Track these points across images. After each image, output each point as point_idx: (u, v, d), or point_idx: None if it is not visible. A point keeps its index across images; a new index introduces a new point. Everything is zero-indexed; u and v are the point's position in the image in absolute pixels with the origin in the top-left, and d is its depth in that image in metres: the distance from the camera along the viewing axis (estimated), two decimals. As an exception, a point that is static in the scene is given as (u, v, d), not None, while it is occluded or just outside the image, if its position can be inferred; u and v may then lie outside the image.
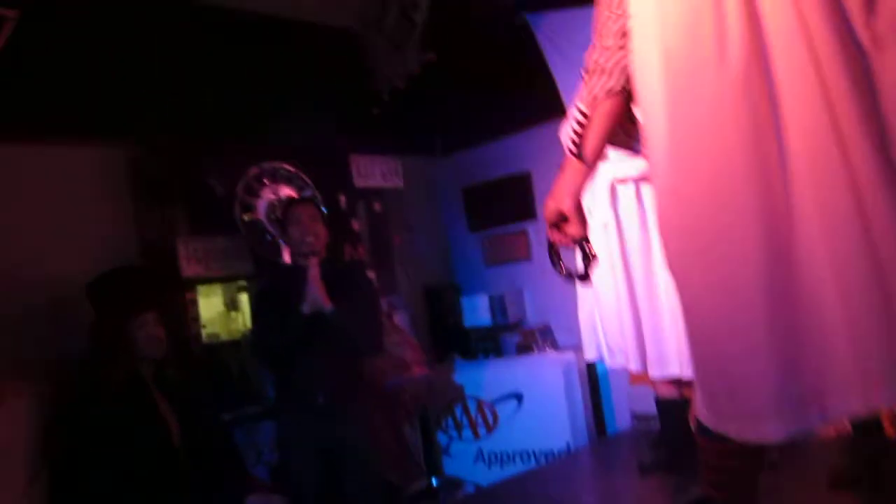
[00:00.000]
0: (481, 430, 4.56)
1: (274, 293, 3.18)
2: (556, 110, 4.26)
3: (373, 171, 4.75)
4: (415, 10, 3.99)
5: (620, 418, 4.38)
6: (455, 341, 4.98)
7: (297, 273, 3.11)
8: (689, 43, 1.29)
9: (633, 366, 3.05)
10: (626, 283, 2.97)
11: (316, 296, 3.01)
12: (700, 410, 1.43)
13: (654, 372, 2.93)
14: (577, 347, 4.37)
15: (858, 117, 1.17)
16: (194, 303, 3.78)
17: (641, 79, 1.42)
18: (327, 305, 3.03)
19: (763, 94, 1.23)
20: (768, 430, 1.26)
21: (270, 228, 3.88)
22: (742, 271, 1.24)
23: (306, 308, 3.01)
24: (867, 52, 1.19)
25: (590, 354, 3.31)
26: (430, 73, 4.35)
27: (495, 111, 4.90)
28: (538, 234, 4.91)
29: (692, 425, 1.53)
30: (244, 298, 4.04)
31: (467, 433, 4.61)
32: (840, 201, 1.18)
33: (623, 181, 2.87)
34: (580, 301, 3.29)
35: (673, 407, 3.10)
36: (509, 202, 5.01)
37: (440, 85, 4.74)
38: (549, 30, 4.35)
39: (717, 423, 1.36)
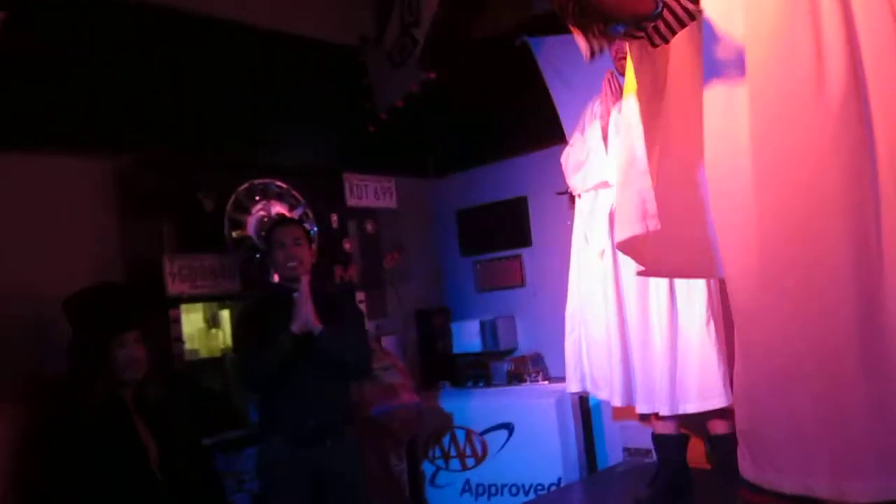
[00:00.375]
0: (469, 461, 4.44)
1: (260, 314, 3.09)
2: (555, 136, 4.21)
3: (366, 191, 4.67)
4: (416, 28, 3.93)
5: (612, 452, 4.28)
6: (444, 367, 4.87)
7: (285, 293, 3.02)
8: (784, 63, 1.20)
9: (618, 400, 2.98)
10: (618, 314, 2.90)
11: (306, 315, 2.93)
12: (759, 466, 1.29)
13: (641, 407, 2.86)
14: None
15: None
16: (177, 321, 3.65)
17: (709, 92, 1.31)
18: (317, 325, 2.94)
19: (860, 125, 1.14)
20: (854, 490, 1.14)
21: (260, 246, 3.77)
22: (835, 312, 1.14)
23: (296, 327, 2.93)
24: None
25: (573, 387, 3.24)
26: (428, 92, 4.29)
27: (493, 134, 4.85)
28: (532, 261, 4.84)
29: (742, 479, 1.37)
30: (225, 315, 3.93)
31: (455, 463, 4.48)
32: None
33: None
34: (568, 330, 3.22)
35: (671, 443, 3.02)
36: (504, 227, 4.93)
37: (438, 105, 4.68)
38: (550, 54, 4.30)
39: (780, 478, 1.22)
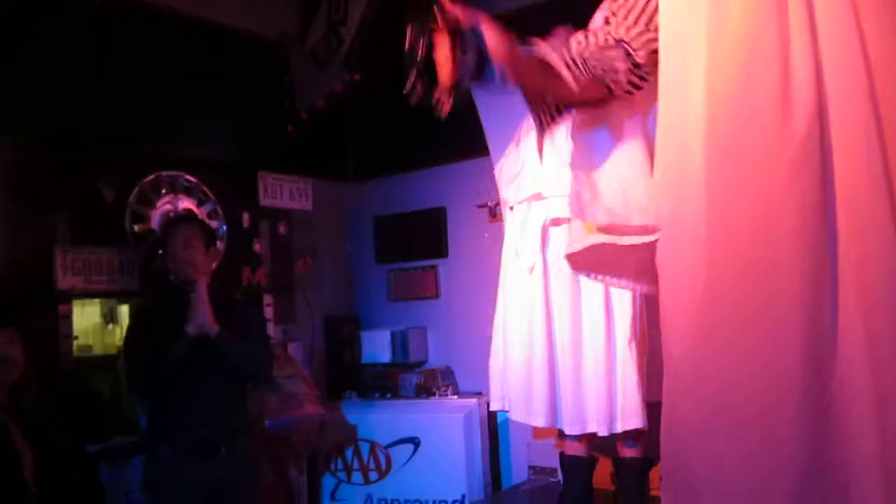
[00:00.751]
0: (372, 475, 4.32)
1: (156, 314, 2.93)
2: (477, 147, 4.15)
3: (281, 191, 4.52)
4: (343, 27, 3.81)
5: (517, 471, 4.25)
6: (351, 378, 4.74)
7: (183, 293, 2.85)
8: (744, 90, 1.15)
9: (540, 421, 2.93)
10: (545, 332, 2.85)
11: (203, 317, 2.78)
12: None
13: (572, 429, 2.81)
14: (479, 394, 4.25)
15: None
16: (68, 317, 3.41)
17: (667, 117, 1.25)
18: (214, 328, 2.79)
19: (819, 162, 1.10)
20: None
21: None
22: (781, 362, 1.09)
23: (191, 329, 2.77)
24: None
25: (496, 405, 3.17)
26: (352, 94, 4.17)
27: (415, 141, 4.76)
28: (448, 272, 4.77)
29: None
30: (124, 310, 3.73)
31: (357, 477, 4.36)
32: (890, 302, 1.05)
33: (556, 223, 2.77)
34: (493, 347, 3.15)
35: (579, 465, 2.99)
36: (421, 237, 4.85)
37: (361, 108, 4.57)
38: (478, 65, 4.25)
39: None
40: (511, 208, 3.10)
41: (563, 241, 2.74)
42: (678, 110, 1.24)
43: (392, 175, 5.00)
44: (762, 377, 1.11)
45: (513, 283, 2.99)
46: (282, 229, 4.51)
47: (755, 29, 1.16)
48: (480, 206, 4.37)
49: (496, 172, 3.31)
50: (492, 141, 3.63)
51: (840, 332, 1.07)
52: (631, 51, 1.37)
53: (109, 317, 3.75)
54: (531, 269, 2.84)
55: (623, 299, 2.70)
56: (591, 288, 2.70)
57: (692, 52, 1.22)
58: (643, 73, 1.38)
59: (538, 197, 2.90)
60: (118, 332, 3.70)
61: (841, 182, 1.09)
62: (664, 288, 1.26)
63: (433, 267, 4.82)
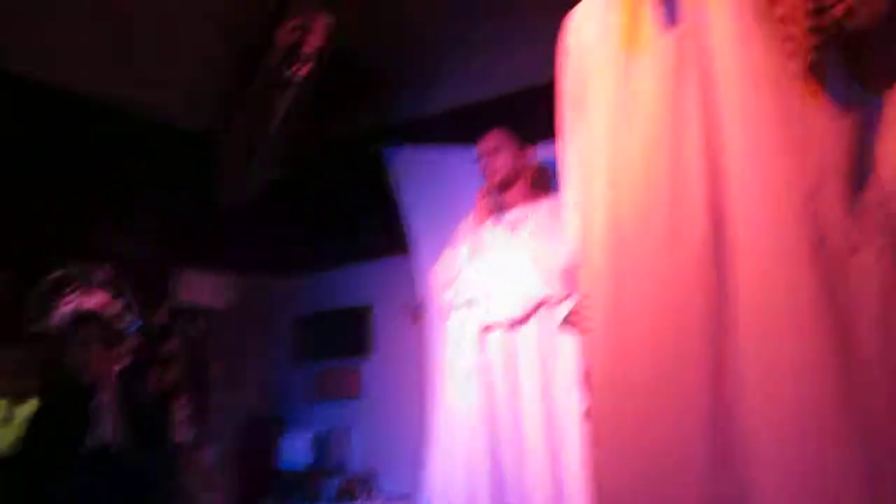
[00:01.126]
0: (286, 591, 4.06)
1: (53, 420, 2.76)
2: (404, 246, 4.14)
3: (201, 287, 4.39)
4: (270, 123, 3.80)
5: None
6: (268, 484, 4.51)
7: (85, 397, 2.69)
8: (642, 211, 1.15)
9: None
10: (488, 436, 2.81)
11: (104, 429, 2.60)
12: None
13: None
14: (404, 497, 4.08)
15: (818, 321, 1.05)
16: (-44, 421, 3.16)
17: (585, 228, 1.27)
18: (117, 441, 2.61)
19: (715, 276, 1.10)
20: None
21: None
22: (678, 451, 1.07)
23: (92, 442, 2.60)
24: (837, 253, 1.08)
25: None
26: (276, 190, 4.13)
27: (340, 238, 4.73)
28: (372, 372, 4.65)
29: None
30: (25, 409, 3.43)
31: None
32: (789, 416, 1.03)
33: (490, 328, 2.76)
34: (436, 454, 3.07)
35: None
36: (344, 335, 4.74)
37: (285, 203, 4.53)
38: (405, 164, 4.28)
39: None
40: (448, 313, 3.10)
41: (498, 346, 2.75)
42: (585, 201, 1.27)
43: (316, 272, 4.93)
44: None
45: (454, 386, 2.96)
46: (200, 326, 4.36)
47: (656, 130, 1.19)
48: (405, 306, 4.31)
49: (432, 276, 3.30)
50: (424, 244, 3.64)
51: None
52: None
53: (8, 416, 3.49)
54: (469, 376, 2.83)
55: (570, 400, 2.68)
56: (532, 393, 2.68)
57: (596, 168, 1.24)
58: None
59: (475, 302, 2.91)
60: (11, 435, 3.44)
61: (740, 304, 1.09)
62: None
63: (357, 366, 4.70)
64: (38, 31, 3.60)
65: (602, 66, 1.29)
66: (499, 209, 3.03)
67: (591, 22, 1.35)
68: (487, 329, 2.80)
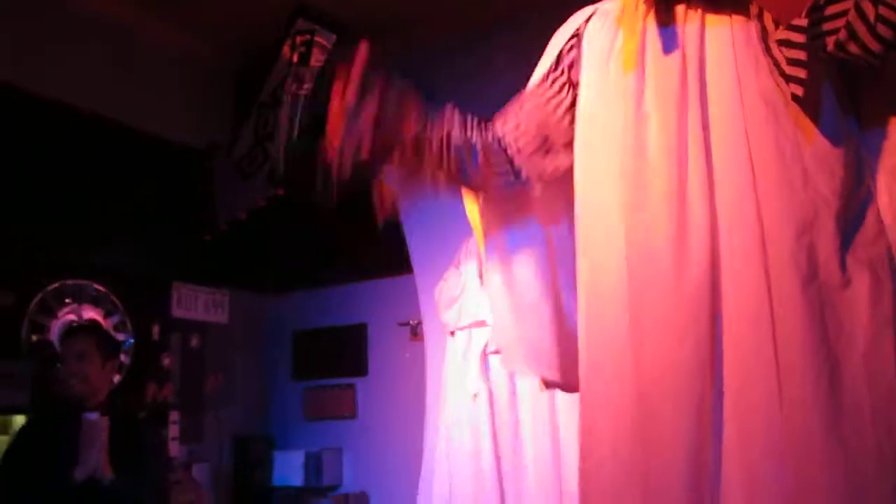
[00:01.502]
0: None
1: (40, 444, 2.59)
2: (401, 265, 4.13)
3: (195, 302, 4.36)
4: (270, 143, 3.79)
5: None
6: (260, 502, 4.46)
7: (74, 418, 2.53)
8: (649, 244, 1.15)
9: None
10: (493, 458, 2.81)
11: (94, 460, 2.47)
12: None
13: None
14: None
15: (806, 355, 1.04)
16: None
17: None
18: (107, 474, 2.49)
19: (710, 317, 1.09)
20: None
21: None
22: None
23: (80, 474, 2.45)
24: (829, 287, 1.07)
25: None
26: (273, 206, 4.12)
27: (336, 256, 4.71)
28: (367, 391, 4.62)
29: None
30: (18, 421, 3.37)
31: None
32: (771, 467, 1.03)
33: (497, 352, 2.75)
34: (437, 473, 3.05)
35: None
36: (339, 353, 4.71)
37: (282, 220, 4.52)
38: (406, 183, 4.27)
39: None
40: (452, 333, 3.09)
41: (504, 370, 2.75)
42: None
43: (312, 289, 4.90)
44: None
45: (456, 409, 2.95)
46: (194, 342, 4.33)
47: (658, 173, 1.18)
48: (402, 325, 4.29)
49: (435, 295, 3.30)
50: (424, 263, 3.63)
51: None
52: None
53: (1, 427, 3.42)
54: (475, 397, 2.82)
55: (572, 422, 2.68)
56: (537, 415, 2.68)
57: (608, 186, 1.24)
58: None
59: (480, 324, 2.90)
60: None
61: (729, 338, 1.10)
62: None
63: (351, 385, 4.67)
64: (37, 46, 3.61)
65: (603, 88, 1.28)
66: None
67: (594, 42, 1.33)
68: (492, 353, 2.80)
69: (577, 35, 1.38)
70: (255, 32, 3.87)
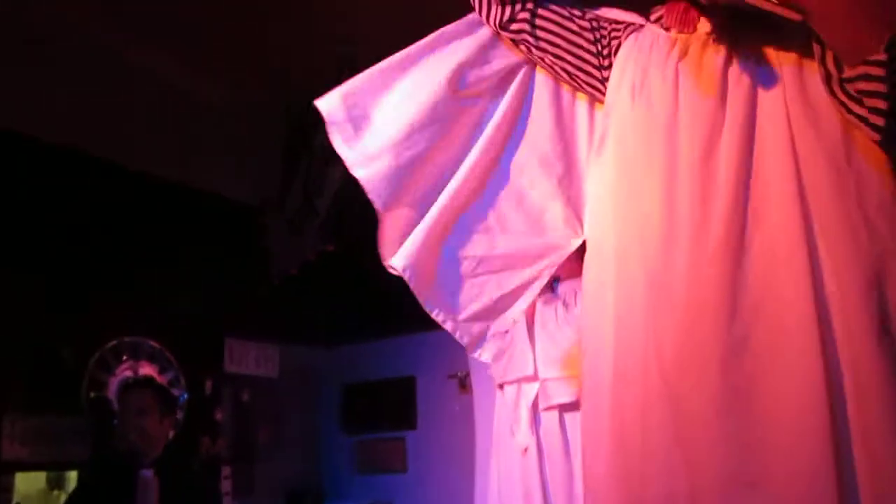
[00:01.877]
0: None
1: (96, 501, 2.65)
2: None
3: (247, 357, 4.41)
4: (319, 197, 3.87)
5: None
6: (312, 559, 4.45)
7: (128, 475, 2.60)
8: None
9: None
10: None
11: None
12: None
13: None
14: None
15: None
16: (9, 490, 3.19)
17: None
18: None
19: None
20: None
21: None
22: None
23: None
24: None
25: None
26: (325, 261, 4.18)
27: (386, 309, 4.73)
28: (417, 445, 4.60)
29: None
30: (72, 477, 3.49)
31: None
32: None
33: (549, 409, 2.72)
34: None
35: None
36: (389, 406, 4.71)
37: (333, 275, 4.57)
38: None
39: None
40: (500, 386, 3.06)
41: (553, 423, 2.71)
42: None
43: (361, 342, 4.93)
44: None
45: (506, 463, 2.91)
46: (245, 396, 4.37)
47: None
48: (451, 377, 4.28)
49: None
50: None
51: None
52: None
53: (55, 482, 3.52)
54: (524, 452, 2.78)
55: None
56: None
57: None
58: None
59: (529, 379, 2.87)
60: (62, 500, 3.46)
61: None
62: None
63: (401, 438, 4.66)
64: (97, 107, 3.75)
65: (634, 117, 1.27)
66: (551, 281, 3.01)
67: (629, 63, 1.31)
68: (544, 410, 2.76)
69: (622, 27, 1.37)
70: (304, 86, 3.96)
